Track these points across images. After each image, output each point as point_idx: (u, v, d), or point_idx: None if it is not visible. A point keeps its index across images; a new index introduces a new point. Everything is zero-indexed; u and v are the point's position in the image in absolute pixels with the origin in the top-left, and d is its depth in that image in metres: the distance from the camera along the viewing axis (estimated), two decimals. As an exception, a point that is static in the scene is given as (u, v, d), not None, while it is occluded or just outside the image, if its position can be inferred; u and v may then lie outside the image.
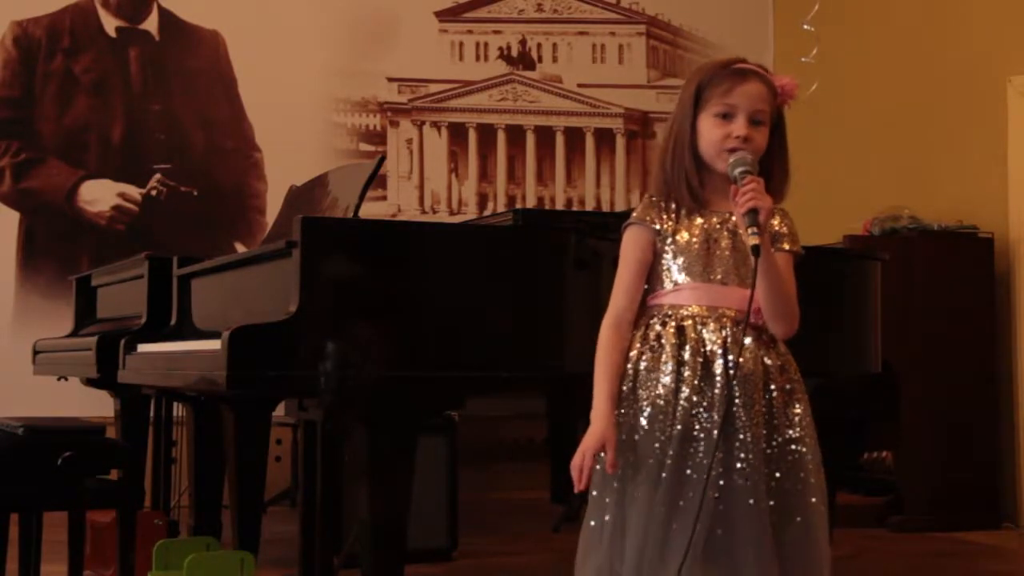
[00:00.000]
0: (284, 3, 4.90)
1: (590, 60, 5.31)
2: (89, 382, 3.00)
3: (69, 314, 3.54)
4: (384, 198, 5.01)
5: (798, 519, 1.50)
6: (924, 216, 4.17)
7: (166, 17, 4.82)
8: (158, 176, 4.76)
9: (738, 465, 1.47)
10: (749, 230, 1.48)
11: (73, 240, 4.64)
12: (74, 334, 3.38)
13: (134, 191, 4.73)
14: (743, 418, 1.49)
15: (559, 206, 5.13)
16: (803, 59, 4.57)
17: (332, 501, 2.36)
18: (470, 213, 5.06)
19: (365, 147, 5.01)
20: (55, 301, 4.33)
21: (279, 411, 2.91)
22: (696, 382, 1.50)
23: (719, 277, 1.55)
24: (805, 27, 4.41)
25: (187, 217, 4.74)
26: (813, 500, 1.51)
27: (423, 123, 5.11)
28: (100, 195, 4.70)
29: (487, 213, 4.98)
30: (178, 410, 3.04)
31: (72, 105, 4.69)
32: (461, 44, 5.17)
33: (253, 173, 4.86)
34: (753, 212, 1.48)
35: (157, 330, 2.69)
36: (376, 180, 2.44)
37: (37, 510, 2.36)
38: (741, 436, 1.48)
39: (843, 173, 4.92)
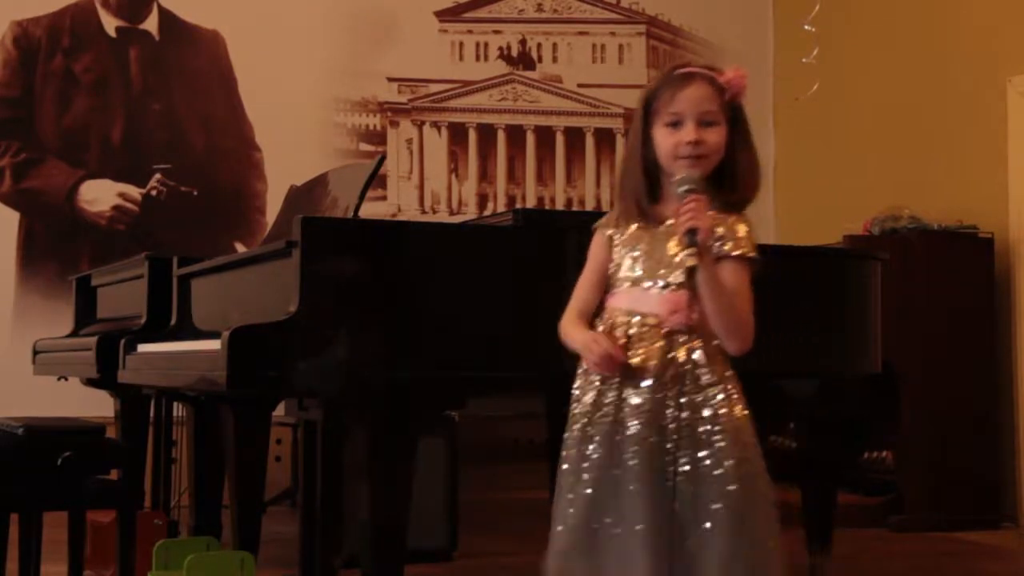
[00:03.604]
0: (284, 3, 4.90)
1: (590, 60, 5.30)
2: (89, 382, 2.99)
3: (69, 314, 3.54)
4: (384, 198, 5.01)
5: (706, 525, 1.48)
6: (924, 216, 4.17)
7: (166, 17, 4.82)
8: (158, 176, 4.76)
9: (630, 460, 1.49)
10: (687, 250, 1.48)
11: (73, 240, 4.64)
12: (74, 334, 3.38)
13: (134, 191, 4.73)
14: (660, 421, 1.50)
15: (559, 206, 5.13)
16: (804, 60, 4.57)
17: (332, 501, 2.36)
18: (470, 213, 5.06)
19: (365, 147, 5.01)
20: (55, 301, 4.33)
21: (279, 411, 2.91)
22: (620, 385, 1.53)
23: (660, 283, 1.56)
24: (806, 27, 4.41)
25: (187, 217, 4.74)
26: (717, 507, 1.47)
27: (423, 123, 5.11)
28: (100, 195, 4.70)
29: (487, 213, 4.98)
30: (178, 410, 3.03)
31: (72, 105, 4.69)
32: (461, 44, 5.17)
33: (253, 173, 4.86)
34: (691, 232, 1.47)
35: (157, 330, 2.69)
36: (376, 180, 2.44)
37: (37, 510, 2.36)
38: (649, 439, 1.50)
39: (843, 173, 4.92)
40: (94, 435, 2.41)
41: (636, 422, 1.51)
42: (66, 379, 3.33)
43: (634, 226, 1.60)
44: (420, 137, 5.11)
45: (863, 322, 2.81)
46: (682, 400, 1.50)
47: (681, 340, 1.52)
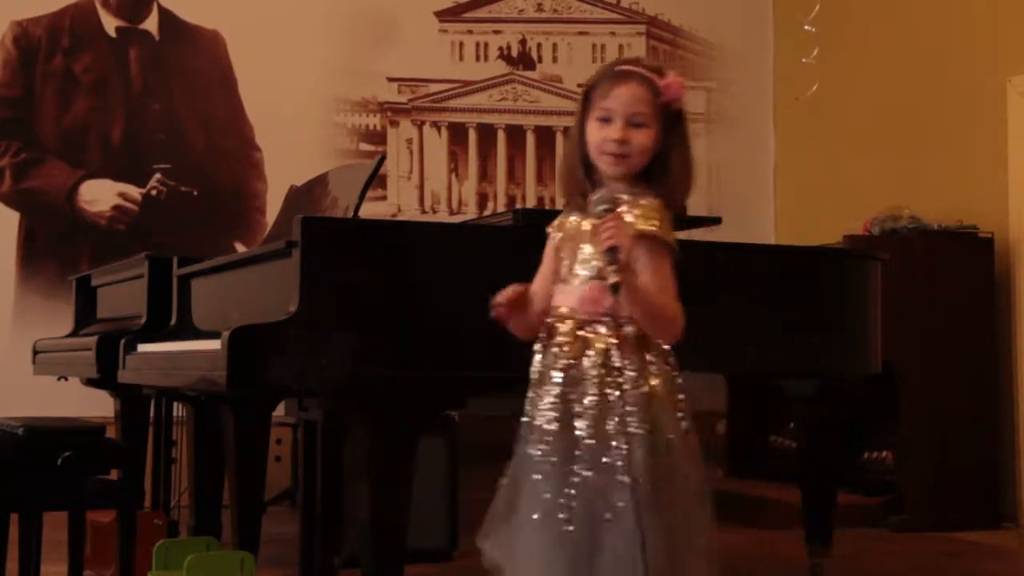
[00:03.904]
0: (284, 3, 4.90)
1: (590, 60, 5.30)
2: (89, 382, 2.99)
3: (69, 314, 3.54)
4: (384, 198, 5.00)
5: (608, 515, 1.47)
6: (924, 216, 4.17)
7: (166, 17, 4.82)
8: (158, 176, 4.76)
9: (535, 455, 1.51)
10: (609, 268, 1.47)
11: (73, 240, 4.64)
12: (74, 334, 3.38)
13: (134, 191, 4.73)
14: (570, 416, 1.51)
15: (559, 206, 5.13)
16: (804, 60, 4.57)
17: (332, 501, 2.36)
18: (470, 213, 5.06)
19: (365, 147, 5.01)
20: (55, 301, 4.32)
21: (279, 411, 2.91)
22: (548, 379, 1.54)
23: (579, 278, 1.56)
24: (806, 28, 4.41)
25: (187, 217, 4.74)
26: (620, 504, 1.46)
27: (423, 123, 5.11)
28: (100, 195, 4.69)
29: (487, 213, 4.98)
30: (178, 410, 3.03)
31: (72, 105, 4.69)
32: (461, 44, 5.16)
33: (253, 173, 4.86)
34: (612, 250, 1.47)
35: (157, 330, 2.68)
36: (376, 180, 2.44)
37: (37, 510, 2.36)
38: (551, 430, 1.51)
39: (843, 173, 4.92)
40: (94, 435, 2.41)
41: (547, 415, 1.52)
42: (66, 379, 3.33)
43: (572, 219, 1.61)
44: (420, 137, 5.11)
45: (863, 322, 2.81)
46: (594, 391, 1.50)
47: (596, 331, 1.52)
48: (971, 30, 4.36)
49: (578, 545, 1.47)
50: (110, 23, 4.76)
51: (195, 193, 4.77)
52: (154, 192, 4.75)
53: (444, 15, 5.15)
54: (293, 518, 3.19)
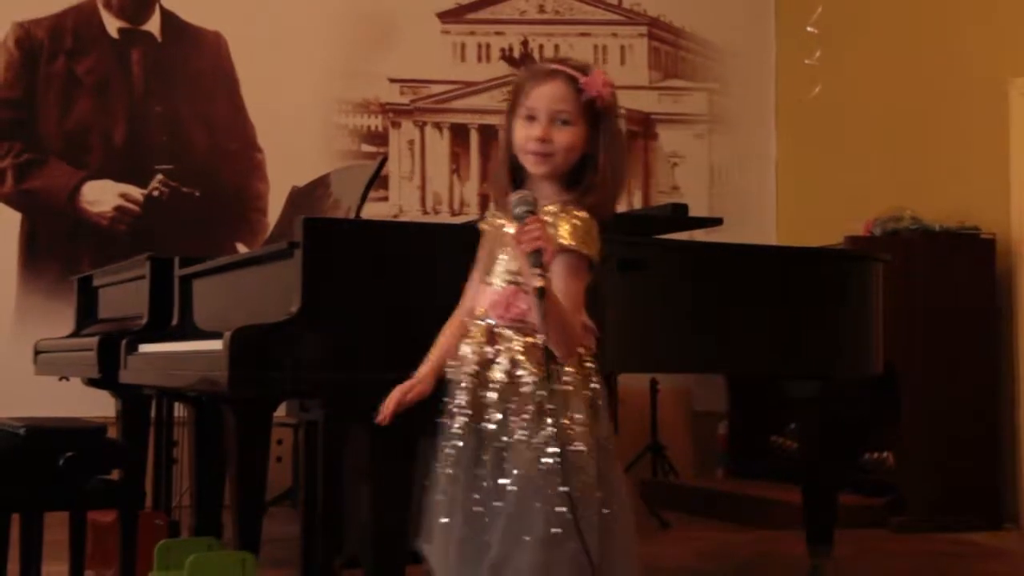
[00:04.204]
0: (286, 4, 4.91)
1: (592, 61, 5.30)
2: (90, 382, 3.00)
3: (70, 314, 3.54)
4: (386, 199, 5.01)
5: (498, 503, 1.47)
6: (926, 217, 4.17)
7: (168, 18, 4.83)
8: (160, 177, 4.76)
9: (449, 456, 1.51)
10: (533, 271, 1.44)
11: (75, 240, 4.65)
12: (75, 334, 3.39)
13: (136, 192, 4.74)
14: (480, 422, 1.51)
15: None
16: (806, 61, 4.57)
17: (333, 501, 2.36)
18: (472, 214, 5.06)
19: (367, 148, 5.02)
20: (57, 301, 4.32)
21: (280, 411, 2.91)
22: (451, 384, 1.55)
23: (495, 281, 1.56)
24: (809, 29, 4.41)
25: (189, 218, 4.74)
26: (530, 510, 1.45)
27: (425, 124, 5.11)
28: (102, 196, 4.70)
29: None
30: (179, 410, 3.04)
31: (74, 106, 4.69)
32: (463, 45, 5.17)
33: (255, 174, 4.86)
34: (536, 253, 1.44)
35: (159, 330, 2.69)
36: (378, 181, 2.44)
37: (38, 510, 2.36)
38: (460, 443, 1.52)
39: (845, 174, 4.92)
40: (95, 435, 2.41)
41: (457, 420, 1.52)
42: (67, 379, 3.34)
43: (498, 221, 1.60)
44: (422, 138, 5.11)
45: (864, 323, 2.81)
46: (504, 397, 1.50)
47: (500, 335, 1.52)
48: (973, 31, 4.36)
49: (489, 549, 1.46)
50: (112, 24, 4.77)
51: (197, 194, 4.78)
52: (156, 193, 4.75)
53: (446, 16, 5.15)
54: (294, 518, 3.19)
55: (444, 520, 1.50)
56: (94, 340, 2.81)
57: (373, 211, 4.57)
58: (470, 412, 1.52)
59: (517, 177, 1.59)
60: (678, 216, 2.87)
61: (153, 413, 3.09)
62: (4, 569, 2.38)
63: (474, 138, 5.15)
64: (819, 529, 2.90)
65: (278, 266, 2.14)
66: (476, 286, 1.61)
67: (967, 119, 4.35)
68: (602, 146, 1.57)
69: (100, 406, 3.40)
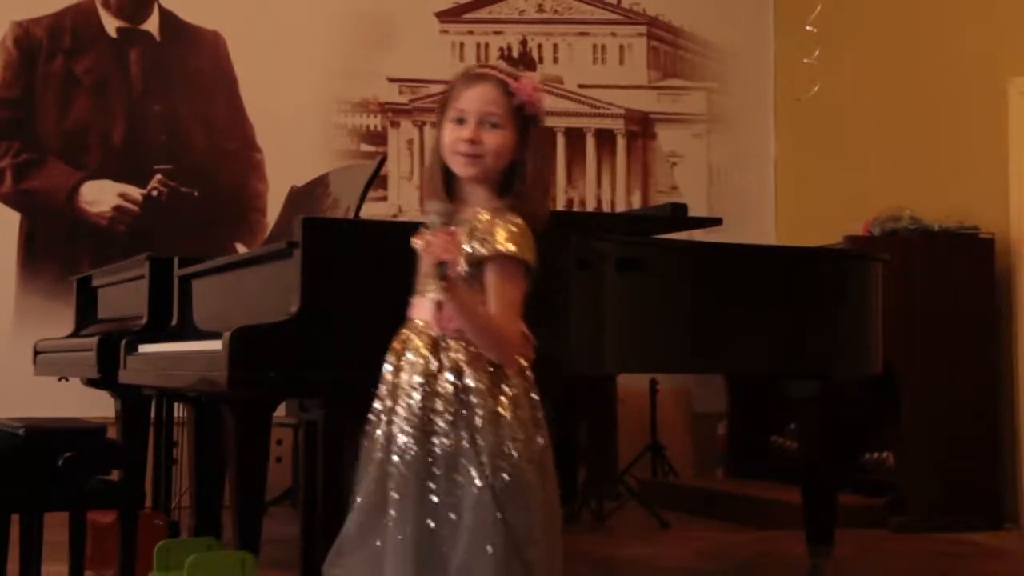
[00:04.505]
0: (285, 4, 4.90)
1: (591, 61, 5.30)
2: (90, 382, 2.99)
3: (70, 315, 3.54)
4: (385, 199, 5.00)
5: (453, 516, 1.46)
6: (925, 217, 4.17)
7: (167, 18, 4.82)
8: (159, 176, 4.76)
9: (392, 472, 1.49)
10: (438, 282, 1.45)
11: (74, 241, 4.64)
12: (75, 335, 3.38)
13: (135, 192, 4.73)
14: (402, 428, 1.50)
15: (559, 207, 5.13)
16: (804, 60, 4.57)
17: (333, 501, 2.35)
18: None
19: (366, 148, 5.01)
20: (56, 302, 4.32)
21: (280, 411, 2.91)
22: (404, 393, 1.53)
23: (431, 291, 1.54)
24: (807, 28, 4.41)
25: (188, 218, 4.74)
26: (474, 522, 1.44)
27: (424, 123, 5.11)
28: (101, 196, 4.69)
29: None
30: (179, 410, 3.03)
31: (73, 106, 4.69)
32: (462, 45, 5.16)
33: (254, 174, 4.86)
34: (442, 265, 1.45)
35: (158, 330, 2.69)
36: (377, 181, 2.44)
37: (38, 510, 2.36)
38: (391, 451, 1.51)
39: (844, 173, 4.92)
40: (95, 436, 2.41)
41: (406, 431, 1.50)
42: (67, 379, 3.33)
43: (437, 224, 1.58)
44: (421, 138, 5.11)
45: (863, 323, 2.81)
46: (447, 408, 1.49)
47: (445, 346, 1.51)
48: (972, 30, 4.36)
49: (443, 563, 1.45)
50: (111, 24, 4.77)
51: (196, 194, 4.77)
52: (155, 193, 4.75)
53: (445, 16, 5.15)
54: (294, 518, 3.19)
55: (400, 537, 1.47)
56: (94, 340, 2.81)
57: (372, 211, 4.56)
58: (418, 423, 1.49)
59: (449, 182, 1.59)
60: (677, 216, 2.87)
61: (153, 413, 3.09)
62: (4, 569, 2.38)
63: (473, 138, 5.14)
64: (819, 529, 2.90)
65: (277, 266, 2.14)
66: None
67: (966, 119, 4.35)
68: (530, 153, 1.57)
69: (100, 406, 3.40)
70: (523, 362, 1.54)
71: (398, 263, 2.04)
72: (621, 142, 5.29)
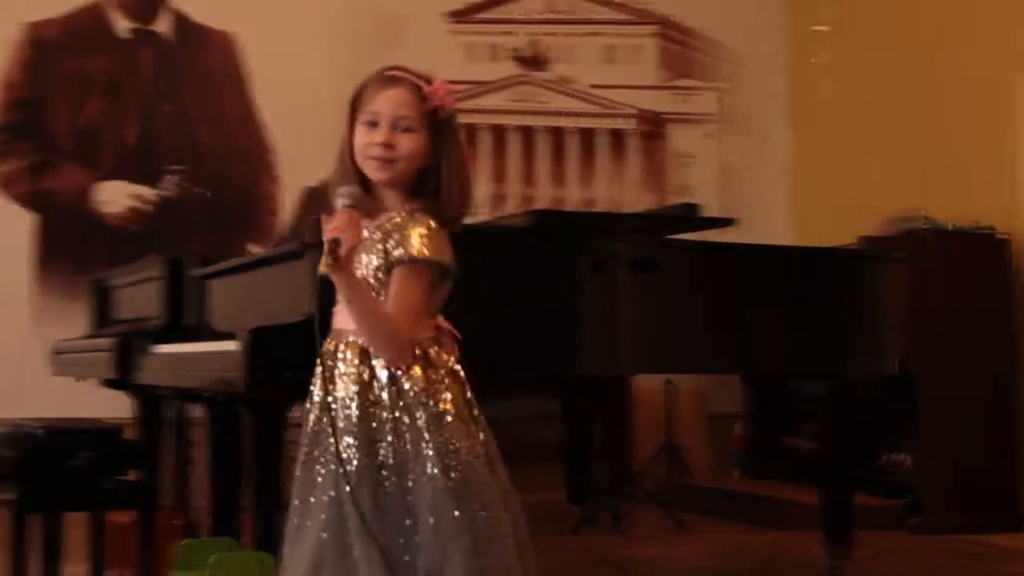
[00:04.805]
0: (296, 4, 4.91)
1: (602, 61, 5.30)
2: (107, 383, 3.00)
3: (85, 315, 3.55)
4: (397, 199, 5.00)
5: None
6: (940, 217, 4.15)
7: (179, 19, 4.83)
8: (171, 177, 4.77)
9: (331, 478, 1.48)
10: (324, 259, 1.42)
11: (88, 241, 4.66)
12: (91, 335, 3.39)
13: (148, 192, 4.75)
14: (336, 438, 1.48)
15: (573, 207, 5.12)
16: (812, 60, 4.56)
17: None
18: (483, 214, 5.06)
19: (378, 148, 5.01)
20: (72, 302, 4.33)
21: (296, 412, 2.90)
22: (342, 403, 1.50)
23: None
24: (819, 28, 4.39)
25: (200, 218, 4.75)
26: (421, 525, 1.44)
27: (435, 124, 5.11)
28: (114, 196, 4.71)
29: (500, 215, 4.97)
30: (195, 410, 3.04)
31: (86, 106, 4.70)
32: (472, 45, 5.16)
33: (266, 174, 4.87)
34: (334, 242, 1.42)
35: (174, 331, 2.69)
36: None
37: (57, 510, 2.36)
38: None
39: (858, 174, 4.90)
40: (112, 436, 2.42)
41: (346, 440, 1.48)
42: (84, 380, 3.34)
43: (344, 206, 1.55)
44: (433, 138, 5.10)
45: (879, 323, 2.79)
46: (386, 414, 1.47)
47: (374, 353, 1.50)
48: (983, 29, 4.34)
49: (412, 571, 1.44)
50: (123, 25, 4.78)
51: (208, 194, 4.79)
52: (167, 193, 4.76)
53: (455, 16, 5.15)
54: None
55: (324, 535, 1.46)
56: (110, 341, 2.81)
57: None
58: (359, 433, 1.47)
59: (363, 184, 1.57)
60: (691, 216, 2.87)
61: (170, 413, 3.10)
62: (24, 569, 2.39)
63: (484, 138, 5.15)
64: (836, 530, 2.89)
65: (292, 266, 2.15)
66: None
67: (981, 118, 4.33)
68: (444, 156, 1.56)
69: (117, 407, 3.40)
70: (452, 360, 1.52)
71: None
72: (633, 142, 5.28)
